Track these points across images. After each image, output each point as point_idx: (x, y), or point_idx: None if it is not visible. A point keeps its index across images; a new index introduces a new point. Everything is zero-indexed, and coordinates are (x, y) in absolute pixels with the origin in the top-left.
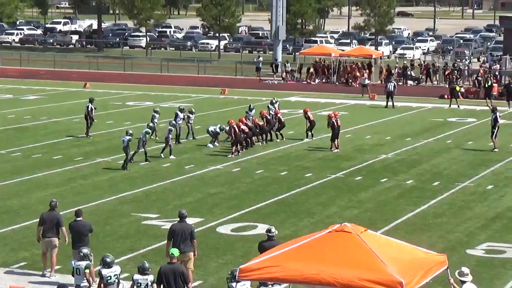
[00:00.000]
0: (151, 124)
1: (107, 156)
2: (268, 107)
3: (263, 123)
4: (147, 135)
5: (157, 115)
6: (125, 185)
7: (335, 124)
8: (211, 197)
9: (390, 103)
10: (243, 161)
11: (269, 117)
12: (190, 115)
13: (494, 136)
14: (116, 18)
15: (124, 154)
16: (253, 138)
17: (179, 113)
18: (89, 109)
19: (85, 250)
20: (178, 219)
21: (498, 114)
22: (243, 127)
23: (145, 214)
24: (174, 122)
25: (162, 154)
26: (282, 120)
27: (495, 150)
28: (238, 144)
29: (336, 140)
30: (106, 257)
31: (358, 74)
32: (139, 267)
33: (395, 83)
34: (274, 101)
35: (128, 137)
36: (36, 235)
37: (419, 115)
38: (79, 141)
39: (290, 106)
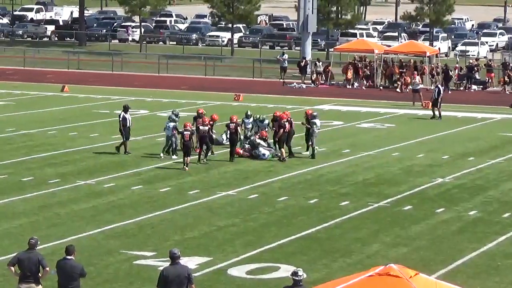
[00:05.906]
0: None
1: (89, 178)
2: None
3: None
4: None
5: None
6: (112, 215)
7: (288, 126)
8: (221, 231)
9: (436, 112)
10: (261, 185)
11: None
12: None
13: None
14: (102, 4)
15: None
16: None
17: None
18: (121, 119)
19: None
20: (170, 260)
21: None
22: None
23: (138, 252)
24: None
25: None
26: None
27: None
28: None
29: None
30: None
31: (408, 76)
32: None
33: (440, 87)
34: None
35: (175, 119)
36: (11, 274)
37: (485, 129)
38: (54, 159)
39: (323, 117)
